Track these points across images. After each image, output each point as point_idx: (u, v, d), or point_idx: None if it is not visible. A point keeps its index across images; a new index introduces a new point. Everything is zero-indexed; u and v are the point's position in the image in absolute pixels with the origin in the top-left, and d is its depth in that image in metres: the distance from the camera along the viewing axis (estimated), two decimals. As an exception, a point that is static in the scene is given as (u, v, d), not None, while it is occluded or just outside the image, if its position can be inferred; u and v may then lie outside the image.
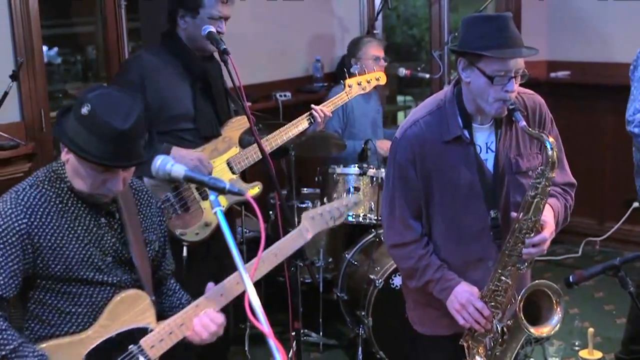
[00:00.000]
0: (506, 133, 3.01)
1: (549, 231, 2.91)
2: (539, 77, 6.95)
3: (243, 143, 3.89)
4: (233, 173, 3.83)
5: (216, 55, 3.77)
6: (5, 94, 4.40)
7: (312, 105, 4.01)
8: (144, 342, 2.51)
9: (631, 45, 6.32)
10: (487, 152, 3.00)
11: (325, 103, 4.17)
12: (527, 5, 7.03)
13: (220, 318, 2.61)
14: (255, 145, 3.72)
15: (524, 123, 2.84)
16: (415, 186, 2.99)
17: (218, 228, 3.65)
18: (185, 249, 3.79)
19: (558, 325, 2.90)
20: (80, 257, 2.50)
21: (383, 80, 4.61)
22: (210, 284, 2.67)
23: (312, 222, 2.70)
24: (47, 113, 4.67)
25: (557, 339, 5.03)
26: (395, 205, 3.01)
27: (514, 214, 2.91)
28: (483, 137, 3.00)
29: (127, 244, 2.62)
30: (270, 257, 2.66)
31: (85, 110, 2.41)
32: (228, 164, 3.79)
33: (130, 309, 2.54)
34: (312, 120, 4.07)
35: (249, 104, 3.92)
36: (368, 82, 4.48)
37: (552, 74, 6.96)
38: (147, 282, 2.65)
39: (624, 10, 6.46)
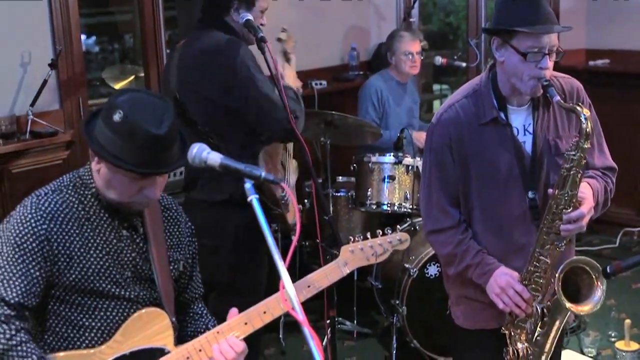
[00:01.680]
0: (544, 115, 2.99)
1: (587, 207, 2.85)
2: (578, 65, 6.89)
3: None
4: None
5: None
6: (45, 82, 4.45)
7: None
8: None
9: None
10: (524, 134, 2.98)
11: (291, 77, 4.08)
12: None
13: (241, 346, 2.46)
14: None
15: (558, 97, 2.82)
16: (452, 171, 2.97)
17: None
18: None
19: (600, 303, 2.84)
20: (97, 268, 2.40)
21: None
22: (234, 310, 2.55)
23: (352, 257, 2.63)
24: (85, 101, 4.71)
25: (593, 330, 5.02)
26: (432, 191, 3.00)
27: (550, 191, 2.88)
28: (520, 119, 2.98)
29: (148, 260, 2.51)
30: (303, 289, 2.55)
31: (117, 117, 2.29)
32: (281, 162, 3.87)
33: (148, 327, 2.44)
34: None
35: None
36: None
37: (591, 62, 6.89)
38: (168, 301, 2.54)
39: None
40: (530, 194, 2.95)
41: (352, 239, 2.62)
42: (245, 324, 2.48)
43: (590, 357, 4.81)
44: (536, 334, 2.94)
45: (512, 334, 3.00)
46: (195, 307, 2.73)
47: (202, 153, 2.41)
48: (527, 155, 2.96)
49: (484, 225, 2.99)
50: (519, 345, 2.98)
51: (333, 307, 3.58)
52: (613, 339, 4.94)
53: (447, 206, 2.98)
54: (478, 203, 2.98)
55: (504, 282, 2.91)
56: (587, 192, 2.88)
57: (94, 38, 6.97)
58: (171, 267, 2.59)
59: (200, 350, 2.43)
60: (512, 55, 2.83)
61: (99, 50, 7.10)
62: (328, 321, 3.59)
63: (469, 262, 2.96)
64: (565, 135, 3.02)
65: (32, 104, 4.44)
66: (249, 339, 3.77)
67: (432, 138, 3.02)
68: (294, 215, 3.90)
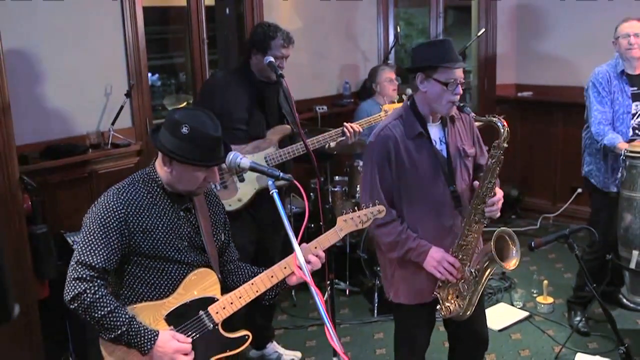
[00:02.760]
0: (451, 128, 2.97)
1: (500, 193, 2.88)
2: (509, 95, 6.92)
3: (282, 145, 3.86)
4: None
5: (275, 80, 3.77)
6: (121, 107, 4.46)
7: (345, 123, 3.95)
8: (210, 308, 2.43)
9: (577, 73, 6.27)
10: (440, 144, 2.94)
11: (360, 121, 4.07)
12: (501, 43, 6.97)
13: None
14: (288, 148, 3.76)
15: (474, 114, 2.88)
16: (389, 177, 2.89)
17: (251, 202, 3.69)
18: None
19: (517, 259, 2.84)
20: (163, 240, 2.41)
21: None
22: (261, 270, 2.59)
23: (345, 224, 2.60)
24: (150, 120, 4.70)
25: (520, 288, 5.01)
26: (374, 194, 2.86)
27: (476, 183, 2.88)
28: (436, 133, 2.94)
29: (199, 233, 2.52)
30: (312, 248, 2.54)
31: (185, 130, 2.31)
32: (265, 158, 3.78)
33: (201, 282, 2.46)
34: (343, 134, 3.97)
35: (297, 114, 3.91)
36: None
37: (520, 94, 6.89)
38: (215, 263, 2.55)
39: (573, 47, 6.39)
40: (451, 188, 2.92)
41: (344, 212, 2.62)
42: (272, 276, 2.49)
43: (518, 308, 4.82)
44: (466, 293, 2.90)
45: (442, 295, 2.94)
46: (233, 266, 2.70)
47: (237, 158, 2.42)
48: (444, 160, 2.93)
49: (420, 213, 2.92)
50: (448, 303, 2.93)
51: (332, 272, 3.58)
52: (535, 295, 4.94)
53: (386, 205, 2.86)
54: (414, 197, 2.91)
55: (439, 257, 2.87)
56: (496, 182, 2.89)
57: (157, 75, 6.96)
58: (215, 239, 2.59)
59: (240, 297, 2.46)
60: (434, 86, 2.80)
61: (161, 84, 7.08)
62: (328, 282, 3.59)
63: (409, 246, 2.88)
64: (468, 142, 3.03)
65: (113, 123, 4.44)
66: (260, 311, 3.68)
67: (372, 152, 2.91)
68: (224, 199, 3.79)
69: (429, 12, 7.18)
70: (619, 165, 3.99)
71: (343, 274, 5.15)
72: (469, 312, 2.95)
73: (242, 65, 3.86)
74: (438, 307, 2.95)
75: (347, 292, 5.15)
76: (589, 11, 6.21)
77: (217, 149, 2.39)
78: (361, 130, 3.98)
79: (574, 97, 6.04)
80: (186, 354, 2.36)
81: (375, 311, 4.78)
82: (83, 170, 4.24)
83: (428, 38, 7.14)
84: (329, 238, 2.57)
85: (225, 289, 2.54)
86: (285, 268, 2.48)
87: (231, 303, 2.45)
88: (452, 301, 2.92)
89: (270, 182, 2.37)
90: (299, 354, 4.26)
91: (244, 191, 3.75)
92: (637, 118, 4.18)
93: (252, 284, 2.47)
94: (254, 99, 3.78)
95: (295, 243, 2.26)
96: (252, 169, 2.43)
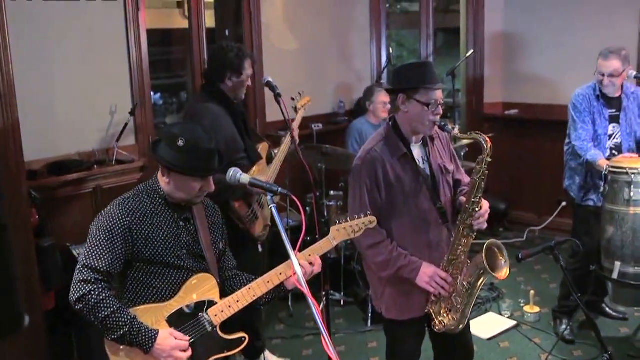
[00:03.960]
0: (432, 147, 2.96)
1: (486, 205, 2.85)
2: (497, 113, 6.94)
3: (268, 160, 3.91)
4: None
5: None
6: (126, 125, 4.48)
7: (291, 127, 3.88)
8: (210, 311, 2.48)
9: (560, 92, 6.31)
10: (423, 163, 2.92)
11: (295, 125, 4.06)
12: (489, 65, 7.02)
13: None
14: (272, 165, 3.84)
15: (456, 131, 2.88)
16: (378, 198, 2.86)
17: (272, 224, 3.68)
18: (259, 246, 3.84)
19: (507, 269, 2.83)
20: (164, 247, 2.46)
21: None
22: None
23: (338, 233, 2.60)
24: (153, 138, 4.71)
25: (508, 298, 5.02)
26: (363, 215, 2.77)
27: (462, 199, 2.86)
28: (418, 153, 2.92)
29: (198, 241, 2.57)
30: (306, 256, 2.55)
31: (181, 142, 2.40)
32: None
33: (201, 286, 2.50)
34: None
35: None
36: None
37: (507, 112, 6.92)
38: (214, 269, 2.59)
39: (556, 67, 6.44)
40: (437, 204, 2.90)
41: (338, 222, 2.62)
42: (268, 282, 2.52)
43: (506, 317, 4.82)
44: (459, 305, 2.88)
45: (435, 310, 2.91)
46: (231, 273, 2.73)
47: (237, 175, 2.44)
48: (428, 178, 2.91)
49: (408, 230, 2.89)
50: (442, 318, 2.90)
51: (327, 283, 3.57)
52: (522, 305, 4.93)
53: (377, 225, 2.83)
54: (402, 216, 2.88)
55: (431, 272, 2.85)
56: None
57: (159, 94, 6.98)
58: (214, 247, 2.64)
59: (237, 301, 2.48)
60: (415, 107, 2.79)
61: (163, 103, 7.11)
62: (324, 293, 3.58)
63: (401, 264, 2.85)
64: (447, 160, 3.02)
65: (117, 140, 4.45)
66: (250, 323, 3.71)
67: (360, 174, 2.86)
68: (259, 229, 3.77)
69: (420, 34, 7.23)
70: (595, 181, 4.08)
71: (338, 285, 5.14)
72: (461, 326, 2.92)
73: (217, 92, 3.71)
74: (433, 322, 2.91)
75: (342, 303, 5.14)
76: (569, 34, 6.27)
77: (210, 160, 2.47)
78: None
79: (558, 114, 6.06)
80: (184, 351, 2.40)
81: (369, 321, 4.77)
82: (88, 185, 4.24)
83: (419, 59, 7.18)
84: (322, 246, 2.58)
85: (223, 294, 2.57)
86: (280, 274, 2.51)
87: (229, 306, 2.48)
88: (445, 315, 2.90)
89: (269, 197, 2.38)
90: (291, 362, 4.24)
91: (267, 214, 3.77)
92: (613, 139, 4.21)
93: (250, 288, 2.50)
94: (239, 124, 3.74)
95: (291, 252, 2.27)
96: (252, 184, 2.44)
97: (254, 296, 2.50)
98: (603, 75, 4.08)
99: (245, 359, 4.19)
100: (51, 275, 3.68)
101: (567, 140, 4.36)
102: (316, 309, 2.08)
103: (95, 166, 4.30)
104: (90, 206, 4.23)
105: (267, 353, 4.18)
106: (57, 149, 4.19)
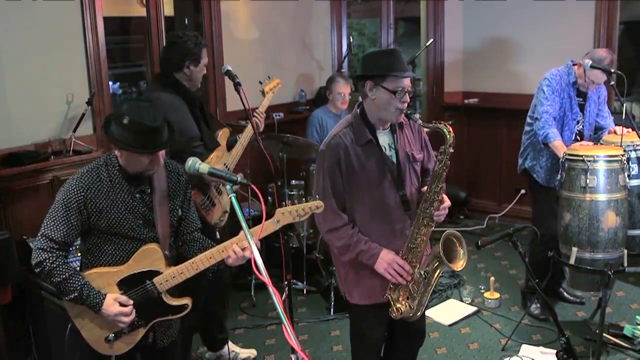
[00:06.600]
0: (400, 135, 2.96)
1: (448, 201, 2.87)
2: (457, 102, 7.01)
3: (229, 146, 3.88)
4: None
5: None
6: (83, 115, 4.40)
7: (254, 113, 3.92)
8: (156, 280, 2.68)
9: (520, 81, 6.40)
10: (390, 150, 2.92)
11: (258, 109, 4.06)
12: (449, 54, 7.07)
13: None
14: (234, 151, 3.84)
15: (421, 121, 2.90)
16: (340, 183, 2.87)
17: (232, 213, 3.65)
18: (217, 232, 3.80)
19: (465, 260, 2.85)
20: (118, 219, 2.65)
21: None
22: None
23: (282, 216, 2.61)
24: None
25: (469, 285, 5.07)
26: (326, 200, 2.80)
27: (424, 188, 2.87)
28: (385, 140, 2.93)
29: (152, 211, 2.72)
30: (254, 235, 2.50)
31: (126, 120, 2.54)
32: (224, 164, 3.77)
33: (149, 257, 2.69)
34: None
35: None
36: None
37: (466, 100, 6.99)
38: (164, 241, 2.74)
39: (516, 56, 6.51)
40: (400, 192, 2.90)
41: (283, 204, 2.61)
42: (210, 258, 2.67)
43: (467, 303, 4.88)
44: (416, 294, 2.89)
45: (393, 297, 2.91)
46: (193, 235, 2.89)
47: (196, 164, 2.41)
48: (393, 165, 2.91)
49: (371, 217, 2.90)
50: (399, 305, 2.90)
51: (289, 273, 3.55)
52: (482, 291, 5.00)
53: (338, 210, 2.87)
54: (365, 202, 2.89)
55: (389, 259, 2.85)
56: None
57: (118, 84, 6.87)
58: (171, 215, 2.79)
59: (181, 273, 2.68)
60: (383, 94, 2.79)
61: (122, 92, 7.00)
62: (286, 282, 3.57)
63: (360, 249, 2.86)
64: (416, 148, 3.02)
65: (74, 130, 4.37)
66: (213, 315, 3.85)
67: (324, 160, 2.88)
68: (216, 215, 3.75)
69: (380, 23, 7.25)
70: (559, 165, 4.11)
71: (300, 274, 5.15)
72: (419, 313, 2.94)
73: (172, 81, 3.69)
74: (390, 309, 2.91)
75: (305, 292, 5.14)
76: (529, 25, 6.35)
77: (154, 137, 2.58)
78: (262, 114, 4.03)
79: (517, 103, 6.16)
80: (127, 315, 2.64)
81: (332, 309, 4.79)
82: (45, 176, 4.15)
83: (379, 47, 7.19)
84: (266, 228, 2.60)
85: (179, 256, 2.82)
86: (223, 251, 2.66)
87: (173, 277, 2.68)
88: (403, 302, 2.90)
89: (228, 187, 2.35)
90: (254, 352, 4.23)
91: (225, 201, 3.74)
92: (579, 125, 4.36)
93: (193, 262, 2.68)
94: (196, 112, 3.72)
95: (253, 245, 2.25)
96: (211, 174, 2.40)
97: (197, 269, 2.68)
98: (592, 82, 4.23)
99: (209, 351, 4.17)
100: (7, 269, 3.59)
101: (528, 121, 4.43)
102: (277, 298, 2.06)
103: (52, 157, 4.22)
104: (48, 198, 4.13)
105: (230, 344, 4.16)
106: (11, 140, 4.09)
